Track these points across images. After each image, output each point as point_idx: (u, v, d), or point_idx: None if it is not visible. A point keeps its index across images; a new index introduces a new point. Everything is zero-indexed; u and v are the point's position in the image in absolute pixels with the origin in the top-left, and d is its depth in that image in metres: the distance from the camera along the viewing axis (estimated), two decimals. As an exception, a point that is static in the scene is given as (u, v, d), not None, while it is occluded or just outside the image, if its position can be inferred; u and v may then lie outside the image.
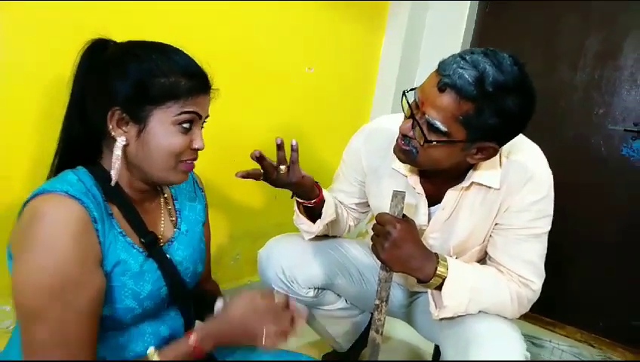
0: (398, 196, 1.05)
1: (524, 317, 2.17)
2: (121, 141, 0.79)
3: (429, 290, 1.11)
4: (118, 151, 0.79)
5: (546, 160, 1.13)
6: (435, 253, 1.08)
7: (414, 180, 1.17)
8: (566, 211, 2.08)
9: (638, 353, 2.02)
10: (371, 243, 1.09)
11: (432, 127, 0.97)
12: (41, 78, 1.22)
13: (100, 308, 0.77)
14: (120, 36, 0.86)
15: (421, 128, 0.98)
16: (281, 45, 1.84)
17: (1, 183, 1.22)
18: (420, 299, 1.38)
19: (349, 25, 2.11)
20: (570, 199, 2.12)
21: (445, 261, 1.07)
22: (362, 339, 1.58)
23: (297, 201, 1.26)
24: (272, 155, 1.87)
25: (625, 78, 2.04)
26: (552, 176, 1.11)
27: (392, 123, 1.20)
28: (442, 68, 0.96)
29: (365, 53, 2.29)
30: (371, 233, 1.09)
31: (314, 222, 1.28)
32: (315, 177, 1.80)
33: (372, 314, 1.11)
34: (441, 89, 0.94)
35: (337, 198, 1.37)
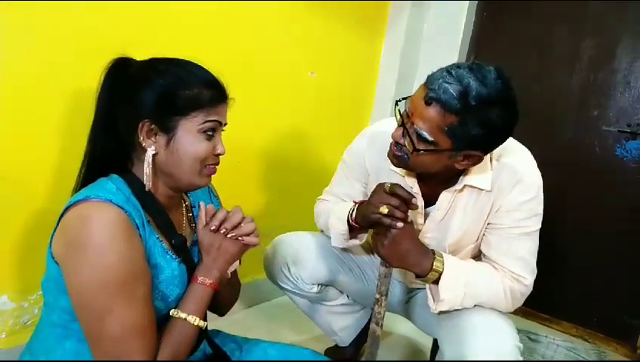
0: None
1: (522, 313, 2.24)
2: (151, 151, 0.85)
3: (427, 285, 1.17)
4: (149, 160, 0.85)
5: (534, 162, 1.18)
6: (432, 250, 1.14)
7: (412, 181, 1.23)
8: (562, 210, 2.15)
9: (630, 347, 2.07)
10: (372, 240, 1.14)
11: (420, 137, 1.03)
12: (63, 88, 1.27)
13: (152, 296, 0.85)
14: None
15: (410, 137, 1.05)
16: (284, 50, 1.88)
17: (26, 189, 1.27)
18: (419, 295, 1.43)
19: (349, 30, 2.16)
20: (566, 198, 2.18)
21: (441, 257, 1.13)
22: (363, 334, 1.63)
23: (351, 220, 1.26)
24: (273, 156, 1.93)
25: (618, 80, 2.09)
26: (541, 178, 1.17)
27: (392, 126, 1.26)
28: (429, 82, 1.02)
29: (366, 57, 2.34)
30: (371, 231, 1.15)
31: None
32: (317, 180, 1.86)
33: (372, 307, 1.17)
34: (428, 102, 1.01)
35: (341, 200, 1.41)
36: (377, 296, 1.14)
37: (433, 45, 2.43)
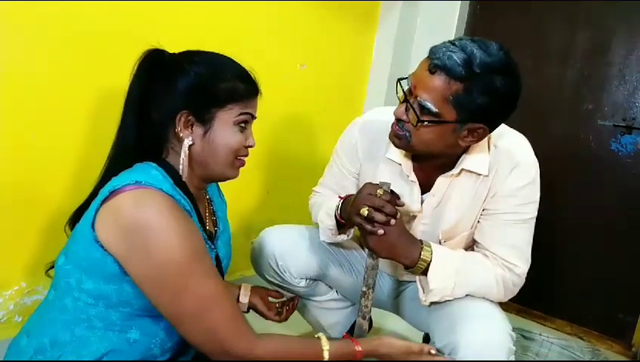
0: (383, 186, 1.08)
1: (516, 310, 2.22)
2: (188, 141, 0.87)
3: (417, 277, 1.14)
4: (185, 150, 0.87)
5: (531, 148, 1.17)
6: (420, 240, 1.12)
7: (408, 168, 1.20)
8: (556, 206, 2.12)
9: (625, 345, 2.05)
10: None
11: (424, 109, 1.02)
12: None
13: None
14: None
15: (414, 110, 1.03)
16: (274, 42, 1.86)
17: (32, 180, 1.28)
18: (409, 289, 1.40)
19: (341, 23, 2.13)
20: (560, 193, 2.15)
21: (429, 246, 1.10)
22: (352, 331, 1.60)
23: (338, 216, 1.24)
24: (262, 150, 1.90)
25: (614, 74, 2.07)
26: (537, 164, 1.15)
27: (383, 114, 1.24)
28: (433, 52, 1.02)
29: (358, 51, 2.31)
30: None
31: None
32: (307, 174, 1.82)
33: (359, 301, 1.13)
34: (432, 71, 1.00)
35: (335, 192, 1.38)
36: (364, 288, 1.11)
37: (426, 40, 2.40)
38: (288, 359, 0.86)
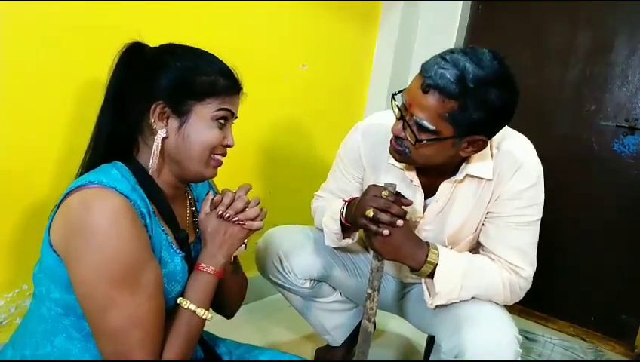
0: (389, 188, 1.07)
1: (518, 311, 2.22)
2: (162, 133, 0.83)
3: (423, 279, 1.14)
4: (158, 142, 0.83)
5: (534, 150, 1.16)
6: (426, 242, 1.11)
7: (411, 174, 1.19)
8: (559, 207, 2.11)
9: (628, 346, 2.05)
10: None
11: (421, 127, 1.01)
12: (72, 80, 1.27)
13: (163, 287, 0.81)
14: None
15: (411, 129, 1.02)
16: (275, 42, 1.85)
17: (30, 179, 1.26)
18: (413, 291, 1.39)
19: (342, 23, 2.12)
20: (562, 194, 2.15)
21: (436, 249, 1.09)
22: (356, 335, 1.59)
23: (343, 220, 1.23)
24: (263, 150, 1.89)
25: (616, 74, 2.06)
26: (541, 165, 1.14)
27: (386, 118, 1.23)
28: (425, 70, 1.00)
29: (359, 51, 2.30)
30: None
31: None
32: (309, 175, 1.81)
33: (364, 303, 1.12)
34: (425, 90, 0.98)
35: (337, 196, 1.37)
36: (369, 290, 1.10)
37: (427, 40, 2.40)
38: (191, 344, 0.84)
